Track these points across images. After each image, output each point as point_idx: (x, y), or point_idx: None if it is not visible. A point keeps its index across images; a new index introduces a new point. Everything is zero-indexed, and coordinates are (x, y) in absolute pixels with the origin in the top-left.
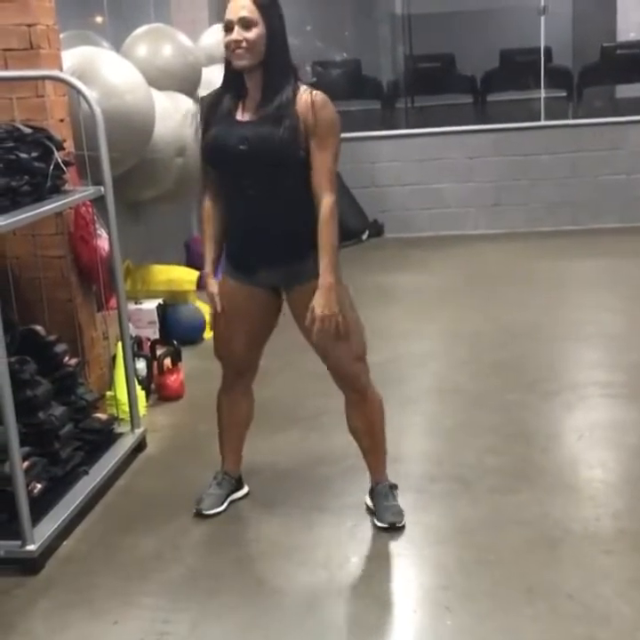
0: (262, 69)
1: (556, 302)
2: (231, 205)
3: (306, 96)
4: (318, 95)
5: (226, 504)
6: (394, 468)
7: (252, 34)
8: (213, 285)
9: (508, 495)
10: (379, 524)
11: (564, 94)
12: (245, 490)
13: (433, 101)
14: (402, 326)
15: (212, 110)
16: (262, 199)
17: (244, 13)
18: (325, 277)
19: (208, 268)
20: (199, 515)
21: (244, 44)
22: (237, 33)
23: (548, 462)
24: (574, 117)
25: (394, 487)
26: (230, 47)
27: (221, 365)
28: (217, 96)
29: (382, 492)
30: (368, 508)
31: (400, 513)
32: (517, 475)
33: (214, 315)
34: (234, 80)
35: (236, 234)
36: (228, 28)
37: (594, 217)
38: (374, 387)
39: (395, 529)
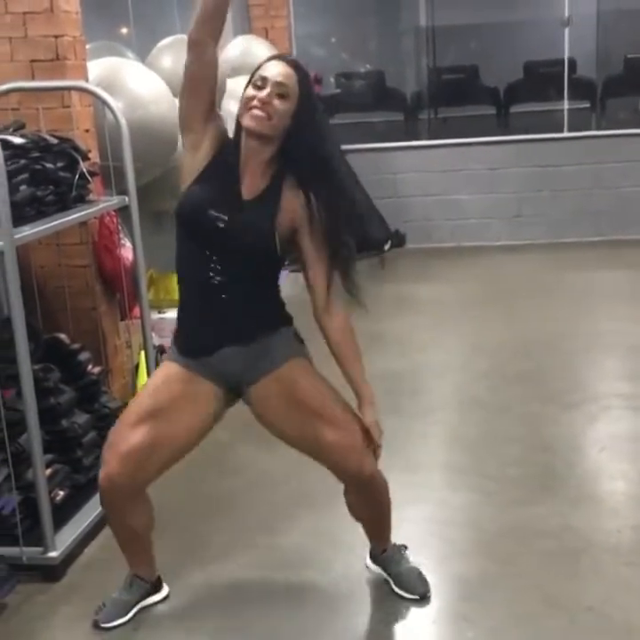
0: (272, 150)
1: (579, 313)
2: (193, 268)
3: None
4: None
5: (132, 613)
6: (412, 480)
7: (282, 105)
8: None
9: (530, 506)
10: (406, 595)
11: (588, 105)
12: (164, 592)
13: (456, 113)
14: (422, 336)
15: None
16: (230, 280)
17: (287, 82)
18: (367, 388)
19: None
20: (96, 627)
21: (269, 109)
22: (268, 94)
23: (570, 474)
24: (598, 129)
25: (404, 548)
26: (249, 104)
27: (101, 465)
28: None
29: (394, 557)
30: (370, 570)
31: (421, 575)
32: (539, 486)
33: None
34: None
35: (188, 310)
36: (258, 86)
37: (616, 228)
38: (378, 469)
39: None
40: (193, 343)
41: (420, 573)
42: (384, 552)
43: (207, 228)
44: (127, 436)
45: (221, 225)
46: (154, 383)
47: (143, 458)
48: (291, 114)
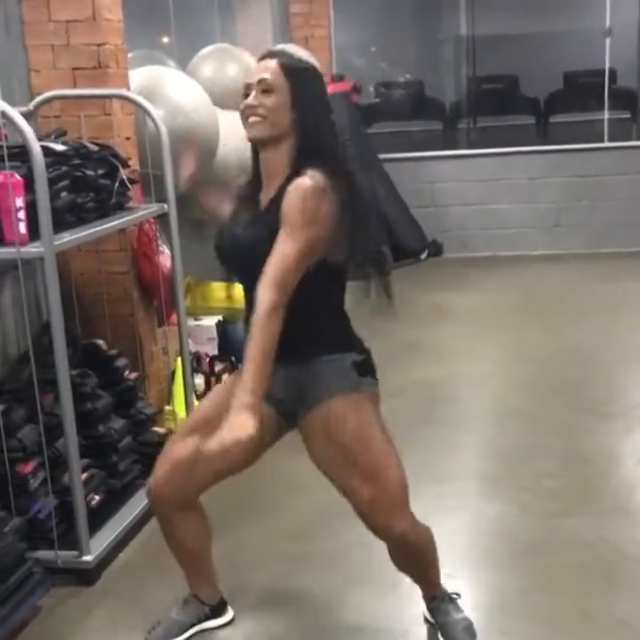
0: (285, 147)
1: (617, 324)
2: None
3: (293, 184)
4: (300, 183)
5: (187, 635)
6: (447, 489)
7: (269, 100)
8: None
9: (565, 518)
10: None
11: (628, 116)
12: (226, 618)
13: (496, 122)
14: (458, 346)
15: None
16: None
17: (266, 75)
18: (240, 396)
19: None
20: None
21: (259, 111)
22: (253, 97)
23: (606, 485)
24: (638, 139)
25: (454, 597)
26: (244, 114)
27: (157, 461)
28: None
29: (442, 607)
30: (428, 622)
31: (470, 627)
32: (575, 497)
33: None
34: (254, 158)
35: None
36: (245, 95)
37: None
38: (420, 525)
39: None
40: None
41: (467, 626)
42: (433, 600)
43: (227, 250)
44: (178, 446)
45: (230, 241)
46: (213, 396)
47: (188, 469)
48: (288, 104)
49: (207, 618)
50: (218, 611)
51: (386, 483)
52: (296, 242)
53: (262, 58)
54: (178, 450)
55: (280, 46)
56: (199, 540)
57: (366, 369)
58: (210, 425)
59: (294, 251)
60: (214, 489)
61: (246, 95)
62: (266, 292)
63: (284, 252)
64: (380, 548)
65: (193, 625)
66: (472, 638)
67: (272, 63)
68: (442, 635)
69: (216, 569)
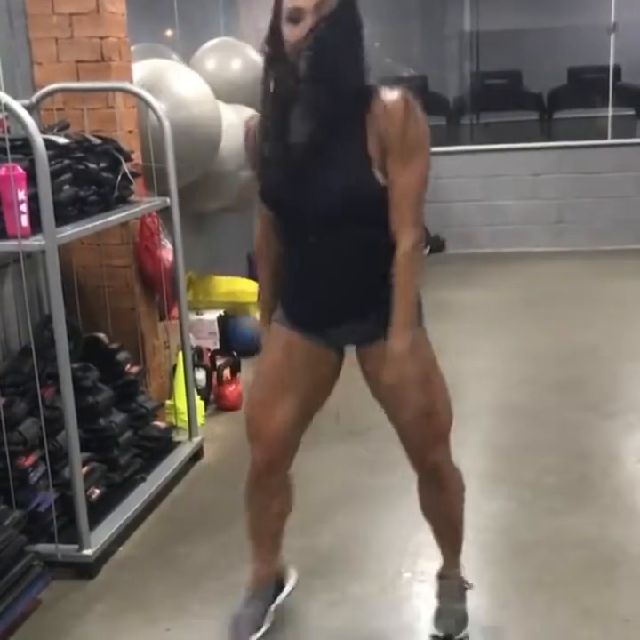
0: None
1: (619, 322)
2: (288, 249)
3: (382, 101)
4: (399, 100)
5: (268, 620)
6: None
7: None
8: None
9: (566, 516)
10: (433, 630)
11: (632, 113)
12: (290, 585)
13: (499, 118)
14: (460, 342)
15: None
16: (325, 246)
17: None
18: (397, 341)
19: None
20: None
21: None
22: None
23: (608, 483)
24: None
25: (465, 587)
26: (298, 47)
27: (252, 449)
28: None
29: (450, 591)
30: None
31: (464, 621)
32: (576, 495)
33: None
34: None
35: (292, 284)
36: (295, 19)
37: None
38: (454, 466)
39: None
40: (296, 319)
41: (462, 618)
42: (445, 578)
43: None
44: (270, 421)
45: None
46: (273, 358)
47: (288, 436)
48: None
49: (278, 594)
50: (281, 584)
51: (448, 406)
52: (421, 170)
53: None
54: (275, 422)
55: None
56: (290, 501)
57: (420, 304)
58: (295, 385)
59: (421, 180)
60: (214, 485)
61: (295, 20)
62: (409, 233)
63: (414, 184)
64: (379, 543)
65: (266, 610)
66: (460, 631)
67: None
68: (435, 617)
69: (216, 564)
